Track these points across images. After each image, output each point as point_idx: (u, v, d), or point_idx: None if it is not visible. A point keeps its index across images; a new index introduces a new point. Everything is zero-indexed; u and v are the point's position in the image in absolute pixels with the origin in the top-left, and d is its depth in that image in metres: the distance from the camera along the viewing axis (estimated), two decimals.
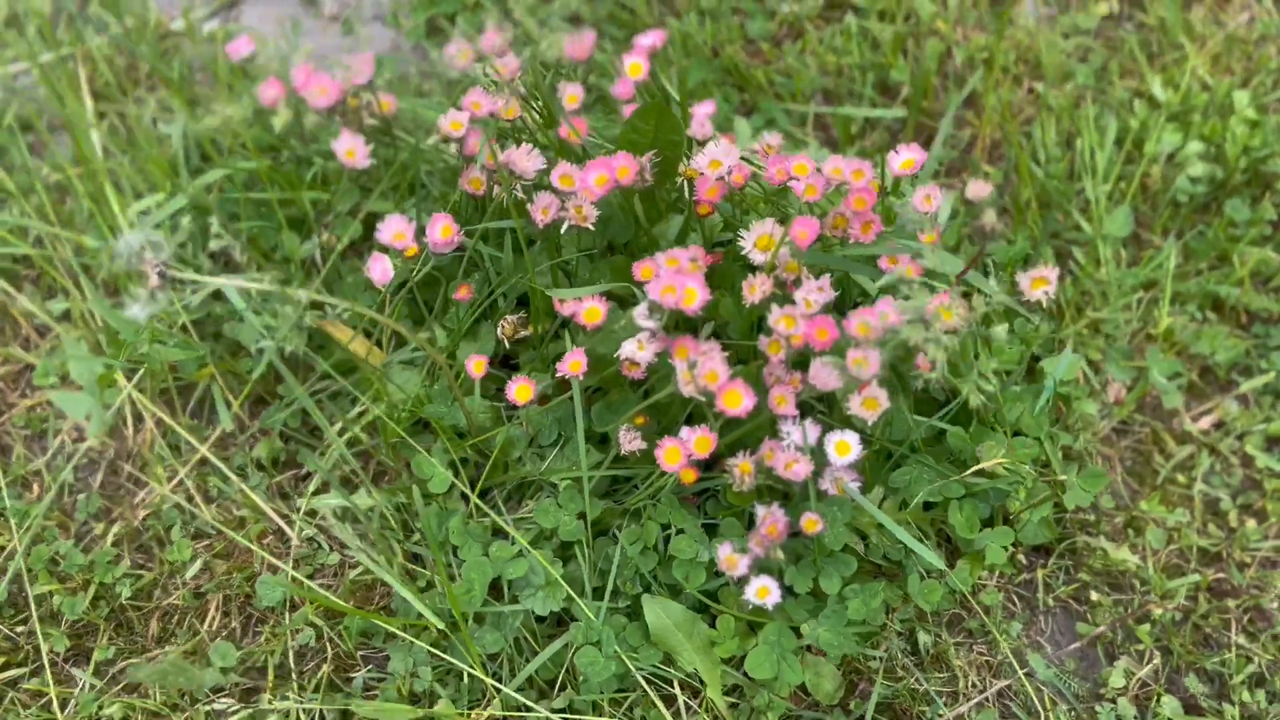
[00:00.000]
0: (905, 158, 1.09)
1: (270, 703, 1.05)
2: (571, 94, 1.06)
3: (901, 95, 1.43)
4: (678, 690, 1.03)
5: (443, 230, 0.99)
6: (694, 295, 0.95)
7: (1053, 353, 1.21)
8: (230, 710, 1.04)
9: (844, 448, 0.98)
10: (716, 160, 0.97)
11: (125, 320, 1.02)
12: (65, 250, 1.23)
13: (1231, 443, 1.20)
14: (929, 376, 0.93)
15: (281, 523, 1.14)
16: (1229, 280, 1.28)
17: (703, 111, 1.11)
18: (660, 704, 1.01)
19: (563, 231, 1.00)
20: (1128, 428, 1.22)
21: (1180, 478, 1.18)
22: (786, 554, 1.02)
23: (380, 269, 1.03)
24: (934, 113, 1.41)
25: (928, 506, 1.07)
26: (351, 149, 1.00)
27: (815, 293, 0.98)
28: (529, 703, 1.02)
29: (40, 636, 1.07)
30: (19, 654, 1.07)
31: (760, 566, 0.99)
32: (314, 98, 1.02)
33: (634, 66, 1.24)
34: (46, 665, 1.06)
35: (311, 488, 1.15)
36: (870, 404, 0.95)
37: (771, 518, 0.95)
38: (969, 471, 1.04)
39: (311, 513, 1.14)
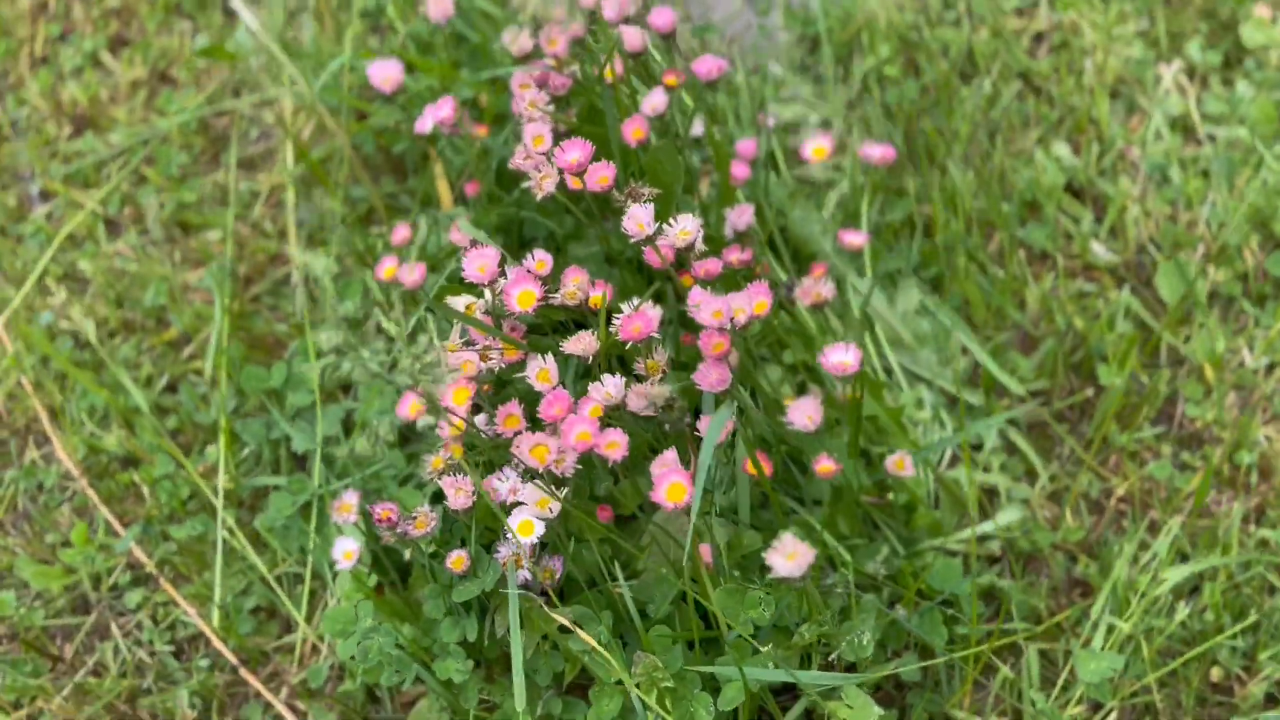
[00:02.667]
0: (844, 358, 0.95)
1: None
2: (655, 103, 1.05)
3: (1090, 389, 1.20)
4: None
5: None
6: (529, 299, 0.93)
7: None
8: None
9: (526, 527, 0.92)
10: (641, 222, 0.92)
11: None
12: None
13: None
14: None
15: (294, 249, 1.30)
16: None
17: (748, 211, 1.04)
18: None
19: (523, 186, 1.02)
20: None
21: None
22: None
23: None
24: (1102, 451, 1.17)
25: None
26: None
27: (614, 385, 0.91)
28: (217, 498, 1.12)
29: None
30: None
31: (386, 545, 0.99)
32: None
33: (818, 149, 1.18)
34: None
35: (326, 253, 1.29)
36: (525, 529, 0.88)
37: (392, 506, 0.92)
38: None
39: (303, 267, 1.30)
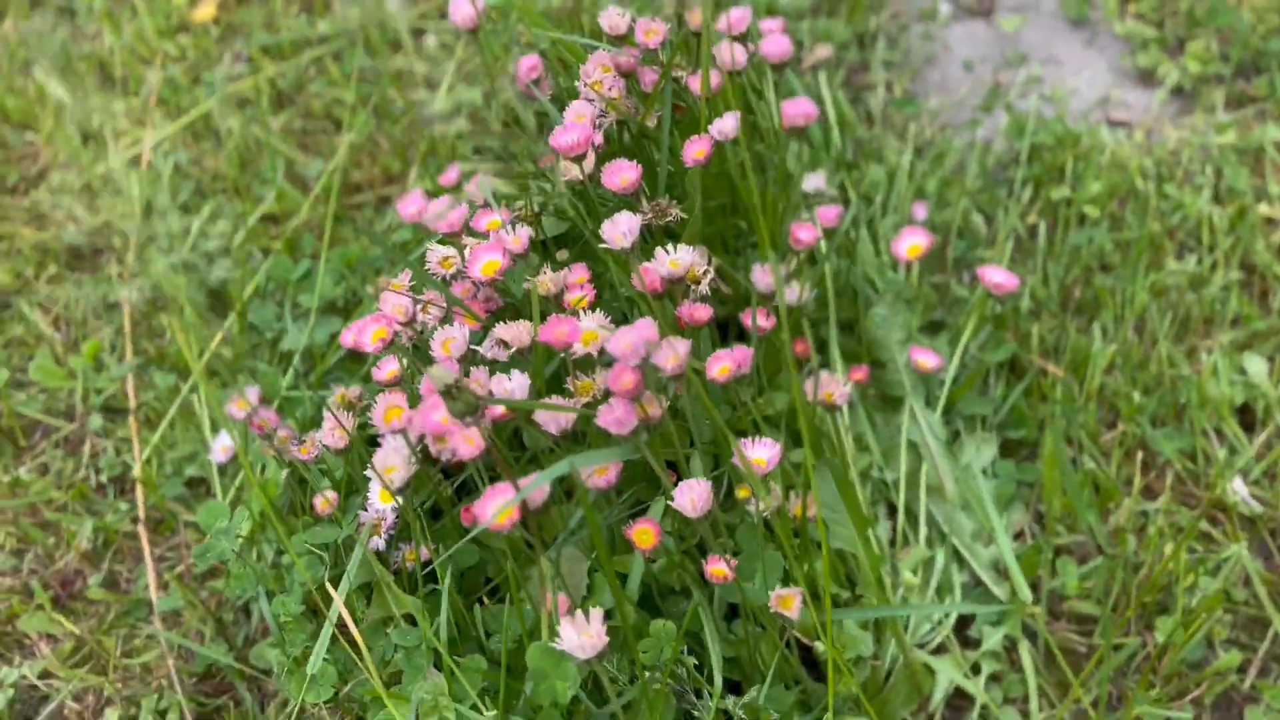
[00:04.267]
0: (764, 454, 0.81)
1: None
2: (724, 127, 0.94)
3: (1149, 639, 0.97)
4: None
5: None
6: (492, 268, 0.87)
7: None
8: None
9: (387, 494, 0.85)
10: (621, 232, 0.82)
11: None
12: None
13: None
14: None
15: (414, 172, 1.30)
16: None
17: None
18: None
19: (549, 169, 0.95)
20: None
21: None
22: None
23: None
24: None
25: None
26: None
27: (520, 383, 0.82)
28: None
29: None
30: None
31: None
32: None
33: (914, 247, 1.04)
34: None
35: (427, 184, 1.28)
36: (385, 495, 0.81)
37: (273, 416, 0.88)
38: None
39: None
